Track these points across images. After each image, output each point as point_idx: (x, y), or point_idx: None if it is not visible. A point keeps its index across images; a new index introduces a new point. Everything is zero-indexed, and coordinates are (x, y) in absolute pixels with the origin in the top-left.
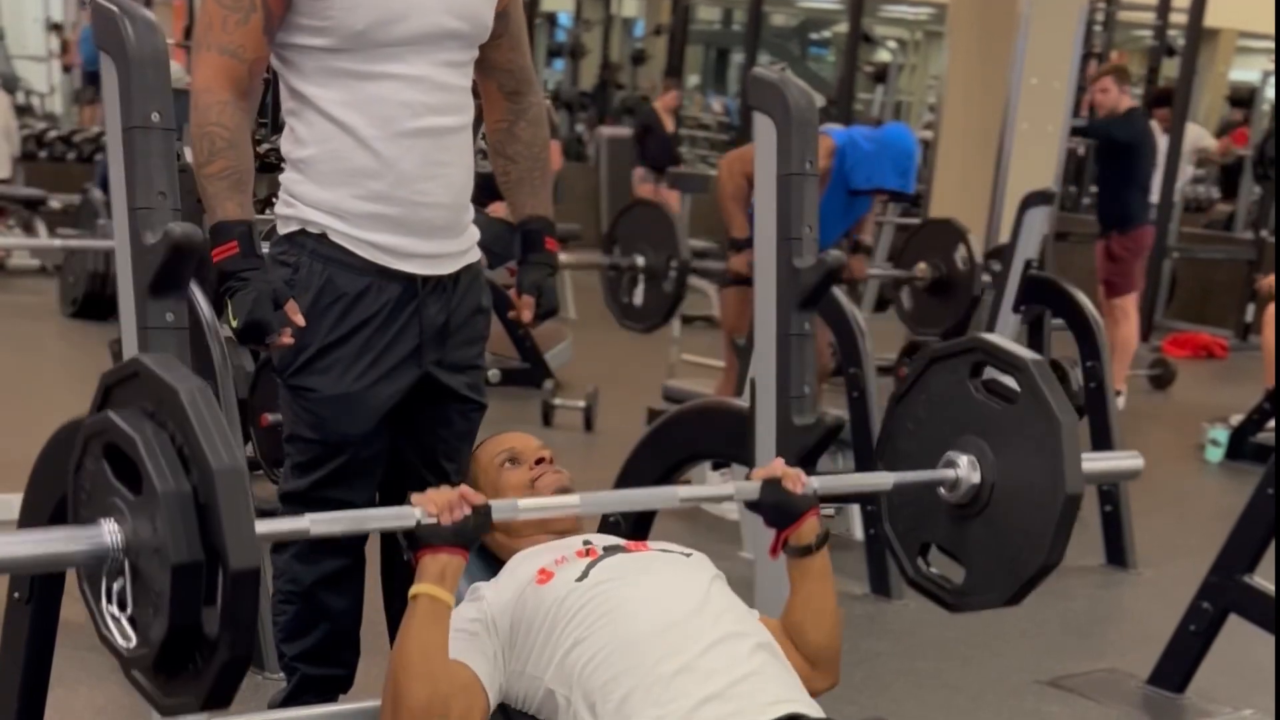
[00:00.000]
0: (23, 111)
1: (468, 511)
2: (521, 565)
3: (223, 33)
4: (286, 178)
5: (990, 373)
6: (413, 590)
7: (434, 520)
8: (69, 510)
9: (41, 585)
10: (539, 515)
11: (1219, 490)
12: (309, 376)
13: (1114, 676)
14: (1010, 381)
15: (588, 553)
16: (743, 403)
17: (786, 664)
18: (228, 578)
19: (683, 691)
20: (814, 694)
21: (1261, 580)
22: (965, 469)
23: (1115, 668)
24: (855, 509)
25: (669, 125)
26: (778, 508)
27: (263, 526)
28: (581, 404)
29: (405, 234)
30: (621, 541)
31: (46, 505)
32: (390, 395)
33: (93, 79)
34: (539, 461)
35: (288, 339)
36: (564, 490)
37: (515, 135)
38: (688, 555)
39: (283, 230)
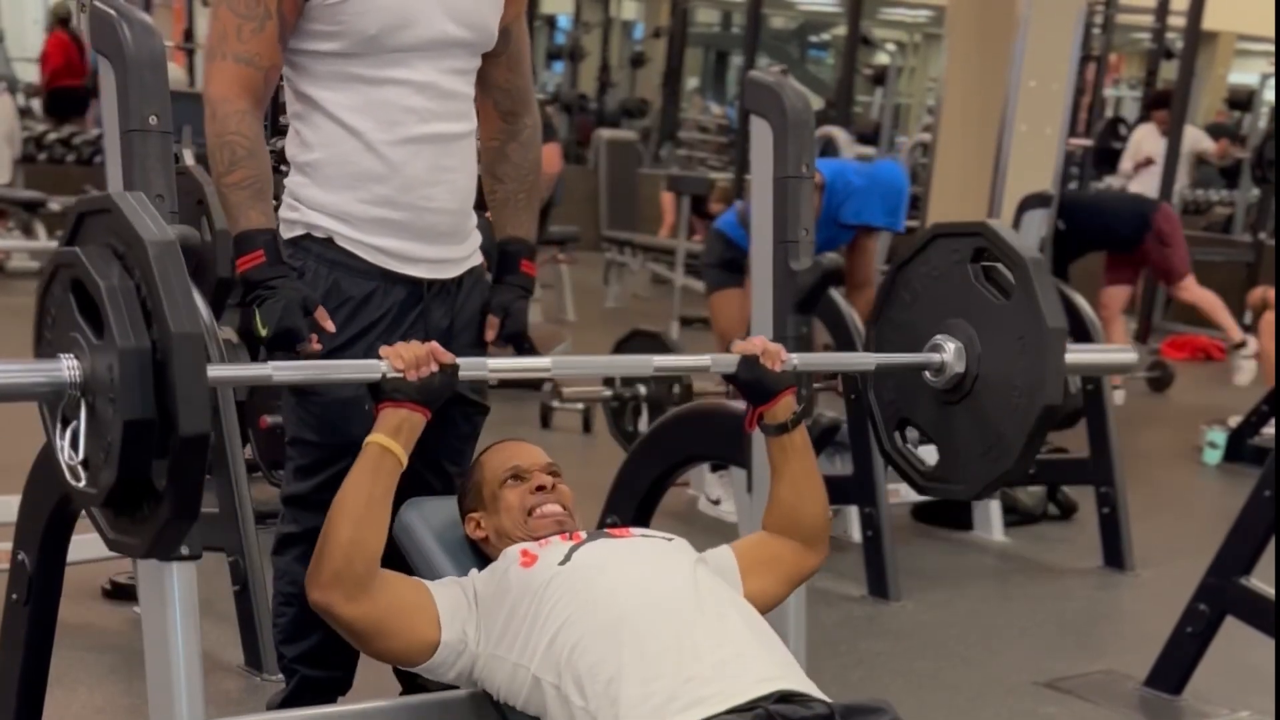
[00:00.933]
0: (22, 114)
1: (435, 369)
2: (505, 555)
3: (238, 41)
4: (291, 181)
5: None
6: (367, 439)
7: (400, 375)
8: (34, 333)
9: (40, 587)
10: (510, 376)
11: (1217, 492)
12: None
13: (1111, 678)
14: (1009, 275)
15: (571, 537)
16: (739, 404)
17: (775, 640)
18: (177, 440)
19: (670, 670)
20: (810, 571)
21: (1259, 582)
22: (951, 356)
23: (1112, 669)
24: (853, 511)
25: None
26: (754, 384)
27: (221, 372)
28: (580, 406)
29: (411, 239)
30: (606, 529)
31: (45, 507)
32: None
33: None
34: (540, 488)
35: (317, 345)
36: (562, 517)
37: (506, 155)
38: (669, 540)
39: (287, 234)
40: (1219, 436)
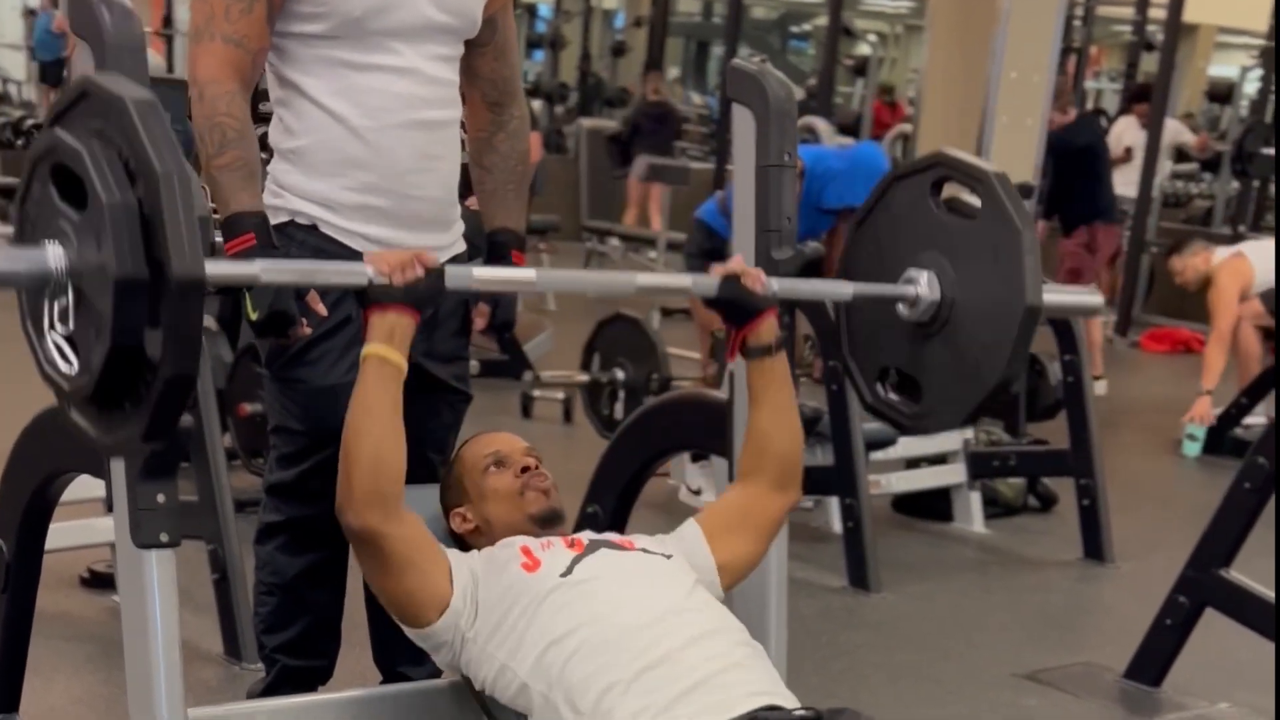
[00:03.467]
0: (0, 100)
1: (420, 273)
2: (508, 544)
3: (226, 22)
4: (275, 168)
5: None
6: (363, 351)
7: (385, 281)
8: (13, 238)
9: (17, 575)
10: (496, 288)
11: (1196, 485)
12: (298, 368)
13: (1090, 670)
14: (973, 200)
15: (573, 544)
16: (721, 394)
17: (766, 659)
18: (171, 288)
19: (662, 685)
20: (781, 514)
21: (1238, 575)
22: (925, 285)
23: (1092, 661)
24: (834, 502)
25: None
26: (736, 303)
27: (211, 268)
28: (560, 395)
29: (395, 226)
30: (609, 536)
31: (23, 494)
32: None
33: (46, 68)
34: (525, 470)
35: (307, 330)
36: (549, 489)
37: (493, 146)
38: (668, 557)
39: (271, 221)
40: (1198, 430)
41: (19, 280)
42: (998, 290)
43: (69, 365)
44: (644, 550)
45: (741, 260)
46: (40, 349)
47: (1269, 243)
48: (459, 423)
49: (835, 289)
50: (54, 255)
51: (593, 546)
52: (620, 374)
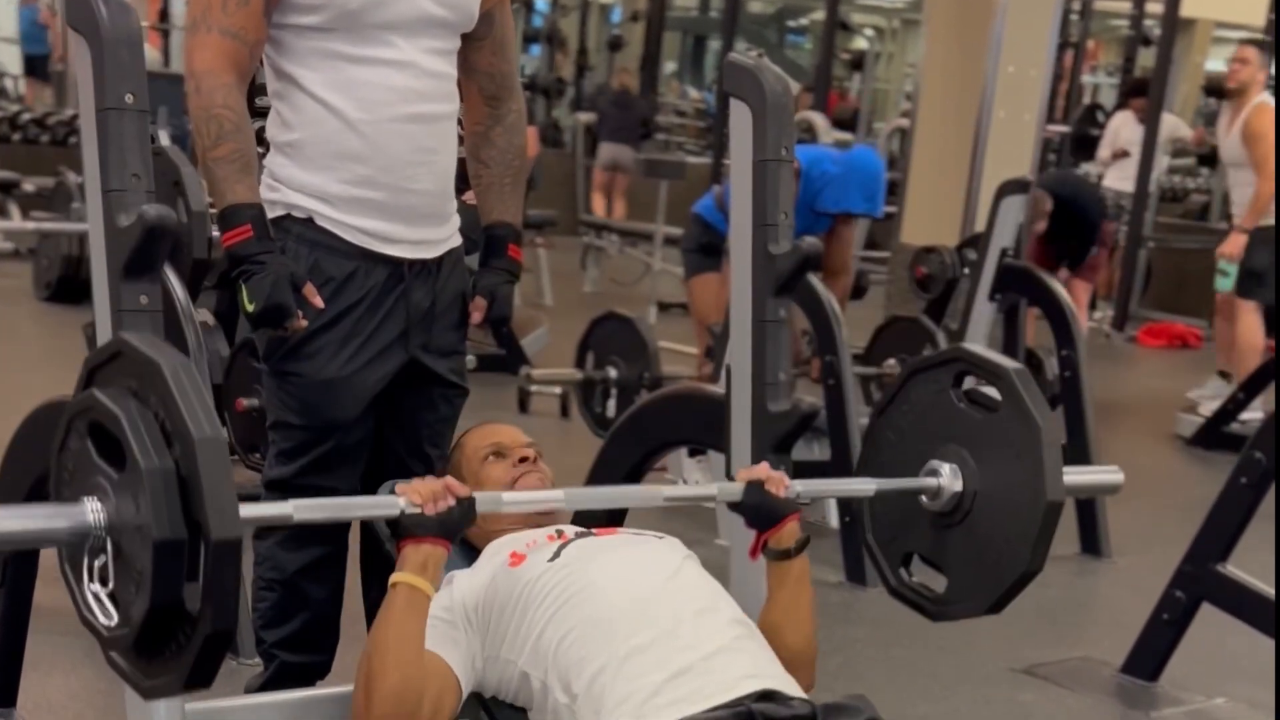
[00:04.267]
0: None
1: (452, 503)
2: (495, 552)
3: (223, 14)
4: (271, 161)
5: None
6: (393, 578)
7: (418, 510)
8: (51, 490)
9: (15, 570)
10: (524, 509)
11: (1193, 479)
12: (296, 362)
13: (1087, 664)
14: (992, 391)
15: (559, 536)
16: (718, 389)
17: (761, 639)
18: (209, 549)
19: (655, 665)
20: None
21: (1235, 569)
22: (948, 477)
23: (1089, 656)
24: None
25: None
26: (760, 510)
27: (246, 510)
28: (558, 390)
29: (391, 220)
30: (592, 529)
31: (23, 483)
32: (377, 380)
33: (32, 61)
34: (522, 460)
35: (303, 323)
36: (545, 481)
37: (491, 140)
38: (660, 538)
39: (267, 214)
40: (1229, 267)
41: (59, 538)
42: (1020, 484)
43: (108, 618)
44: (633, 533)
45: (766, 467)
46: (78, 597)
47: None
48: (456, 417)
49: (859, 486)
50: (93, 510)
51: (578, 535)
52: (613, 372)
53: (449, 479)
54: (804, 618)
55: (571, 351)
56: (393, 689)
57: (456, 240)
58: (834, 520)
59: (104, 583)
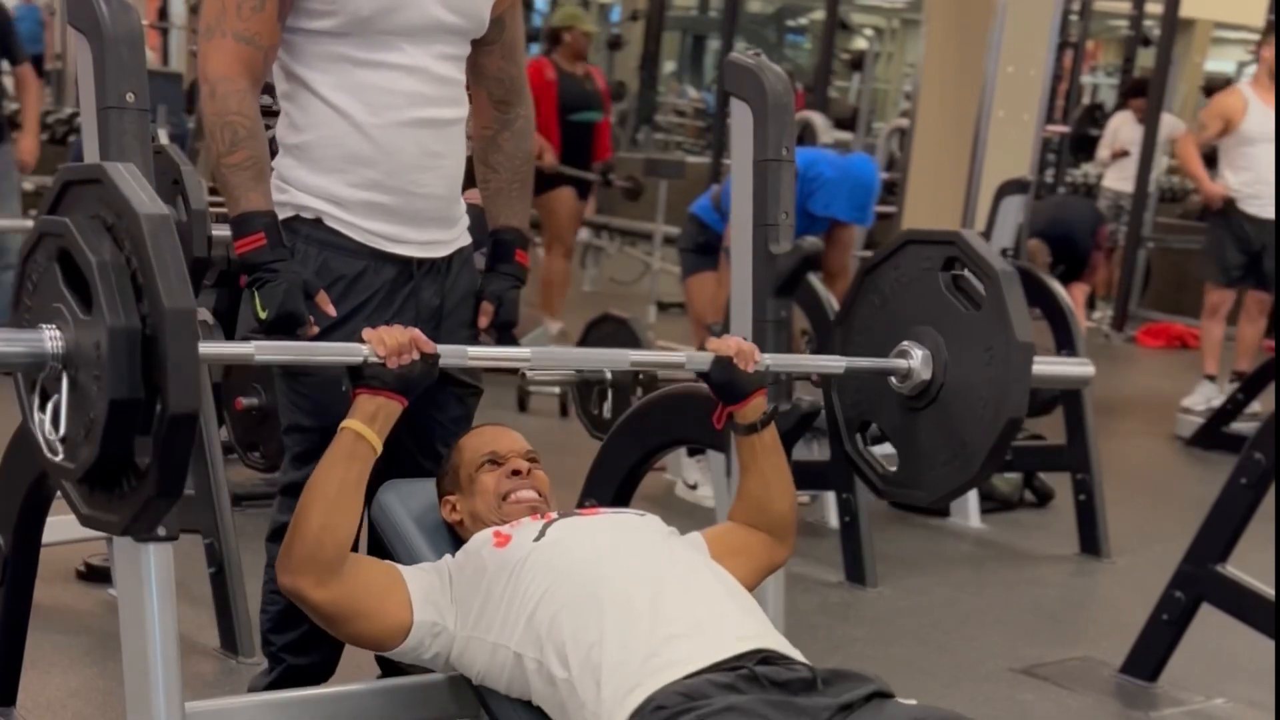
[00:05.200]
0: None
1: (416, 358)
2: (480, 535)
3: (238, 19)
4: (280, 163)
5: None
6: (342, 424)
7: (381, 362)
8: (13, 299)
9: (14, 568)
10: (488, 365)
11: (1192, 479)
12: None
13: (1087, 664)
14: (980, 287)
15: (542, 517)
16: None
17: (752, 603)
18: (165, 418)
19: (649, 631)
20: (777, 564)
21: (1235, 570)
22: (919, 363)
23: (1088, 656)
24: (830, 497)
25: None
26: (726, 385)
27: (206, 349)
28: (556, 390)
29: (399, 223)
30: (575, 509)
31: (20, 488)
32: None
33: (33, 61)
34: (515, 473)
35: (315, 329)
36: (537, 503)
37: (499, 145)
38: (641, 515)
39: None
40: None
41: (15, 362)
42: (986, 390)
43: (54, 455)
44: (614, 511)
45: (736, 340)
46: (34, 421)
47: None
48: (469, 417)
49: (827, 363)
50: (51, 339)
51: (562, 515)
52: (608, 373)
53: (416, 332)
54: (785, 482)
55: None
56: (314, 529)
57: (465, 240)
58: (833, 520)
59: (54, 423)
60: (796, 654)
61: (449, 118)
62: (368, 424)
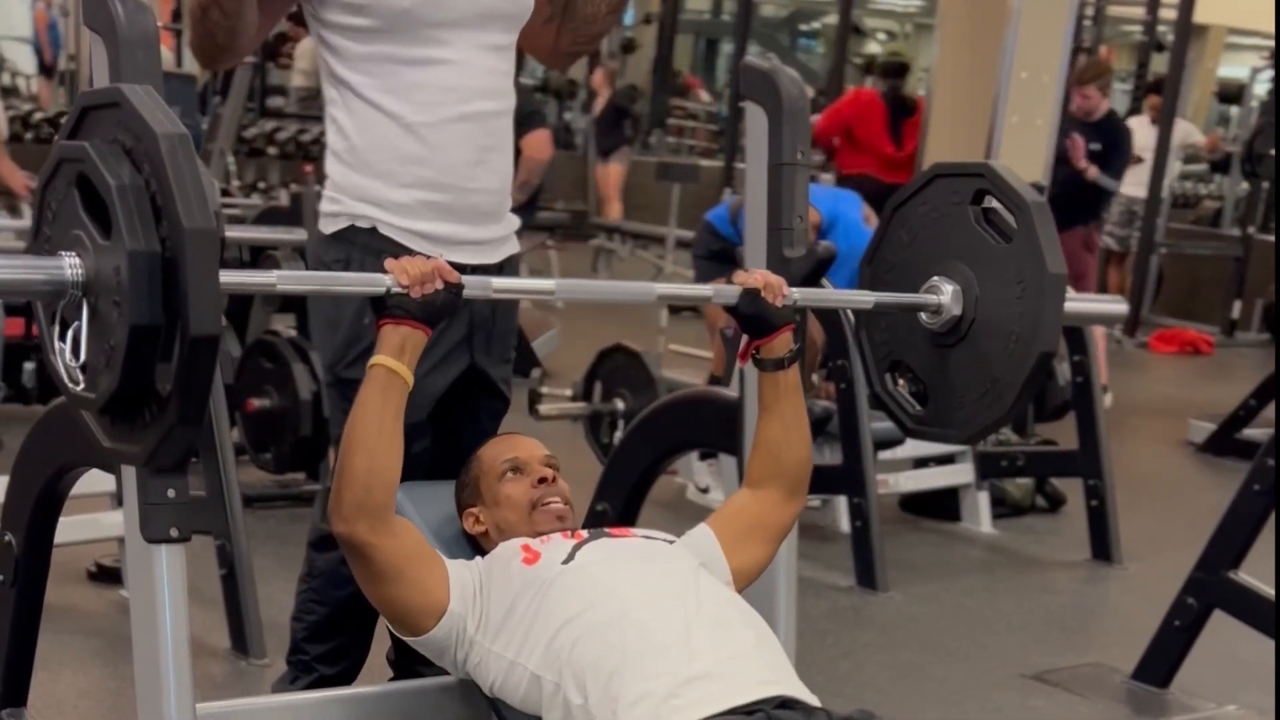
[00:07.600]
0: (8, 93)
1: (440, 286)
2: (509, 547)
3: None
4: (331, 169)
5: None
6: (371, 360)
7: (404, 291)
8: (33, 226)
9: (25, 569)
10: (513, 296)
11: (1204, 486)
12: (360, 368)
13: (1098, 671)
14: (1010, 219)
15: (573, 535)
16: (731, 393)
17: (775, 644)
18: (186, 342)
19: (672, 668)
20: (790, 521)
21: (1248, 577)
22: (949, 298)
23: (1100, 662)
24: (842, 501)
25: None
26: (755, 317)
27: (228, 278)
28: (568, 393)
29: (454, 221)
30: (607, 529)
31: (33, 488)
32: (441, 385)
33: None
34: (541, 480)
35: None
36: (564, 512)
37: (574, 11)
38: (670, 542)
39: (330, 229)
40: None
41: (35, 289)
42: (1018, 325)
43: (75, 384)
44: (644, 536)
45: (764, 274)
46: (53, 350)
47: None
48: (495, 431)
49: (857, 298)
50: (71, 266)
51: (593, 535)
52: (620, 404)
53: (440, 262)
54: (803, 427)
55: (581, 355)
56: (363, 469)
57: (515, 244)
58: (844, 524)
59: (75, 351)
60: (815, 700)
61: (496, 109)
62: (396, 357)
